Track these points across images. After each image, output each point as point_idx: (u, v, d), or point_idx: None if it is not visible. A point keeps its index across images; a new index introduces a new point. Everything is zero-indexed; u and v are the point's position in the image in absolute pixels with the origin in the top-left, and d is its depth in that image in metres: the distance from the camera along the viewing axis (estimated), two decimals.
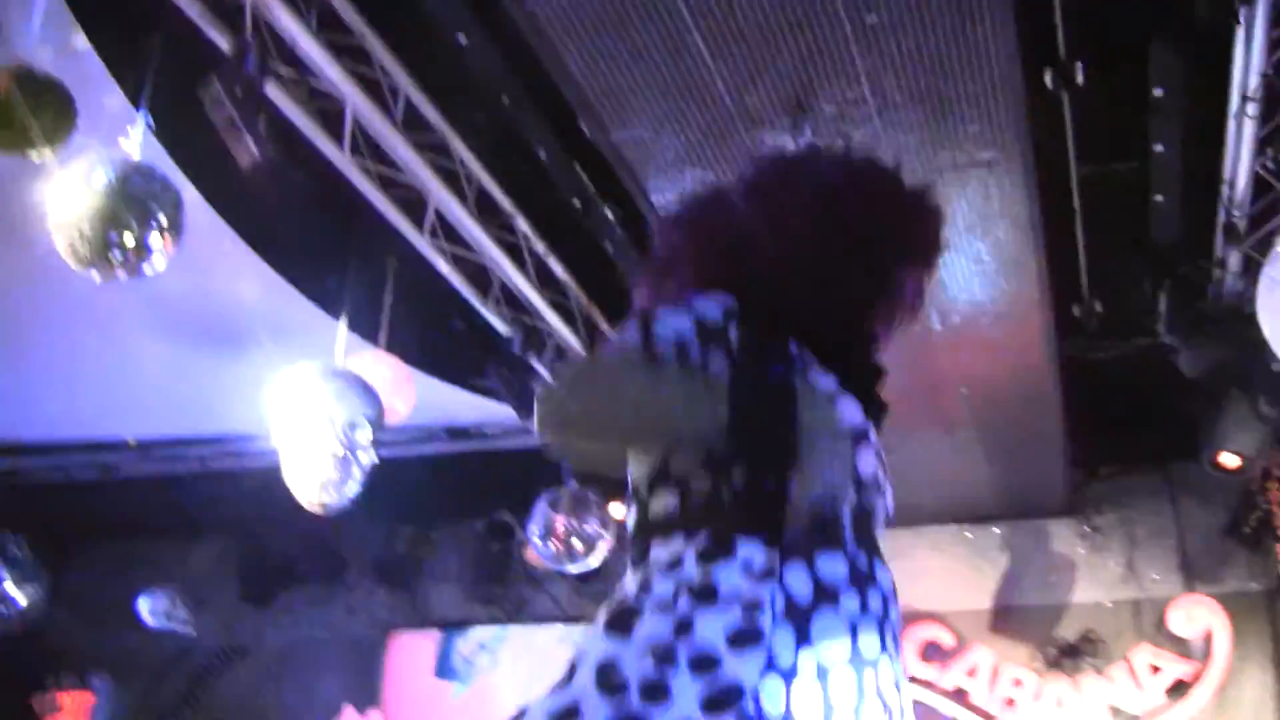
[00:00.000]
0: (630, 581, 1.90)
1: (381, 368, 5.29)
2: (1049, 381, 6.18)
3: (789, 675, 1.78)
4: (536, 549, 6.54)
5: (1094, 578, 8.03)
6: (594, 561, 6.56)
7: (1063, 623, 8.00)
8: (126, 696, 8.04)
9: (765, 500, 1.89)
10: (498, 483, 7.17)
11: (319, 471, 4.55)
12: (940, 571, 8.17)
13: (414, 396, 5.54)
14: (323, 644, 7.62)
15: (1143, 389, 6.50)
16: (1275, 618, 7.64)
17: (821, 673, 1.82)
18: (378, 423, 4.65)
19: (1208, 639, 7.69)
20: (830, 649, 1.85)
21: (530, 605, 8.24)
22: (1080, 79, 4.62)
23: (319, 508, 4.63)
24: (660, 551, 1.91)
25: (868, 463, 2.06)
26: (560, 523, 6.45)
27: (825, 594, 1.88)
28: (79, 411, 7.21)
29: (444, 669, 8.20)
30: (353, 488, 4.61)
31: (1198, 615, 7.72)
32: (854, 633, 1.89)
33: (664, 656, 1.73)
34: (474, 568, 8.07)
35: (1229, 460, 6.50)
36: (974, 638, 8.05)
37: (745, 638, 1.76)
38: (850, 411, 2.05)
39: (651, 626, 1.78)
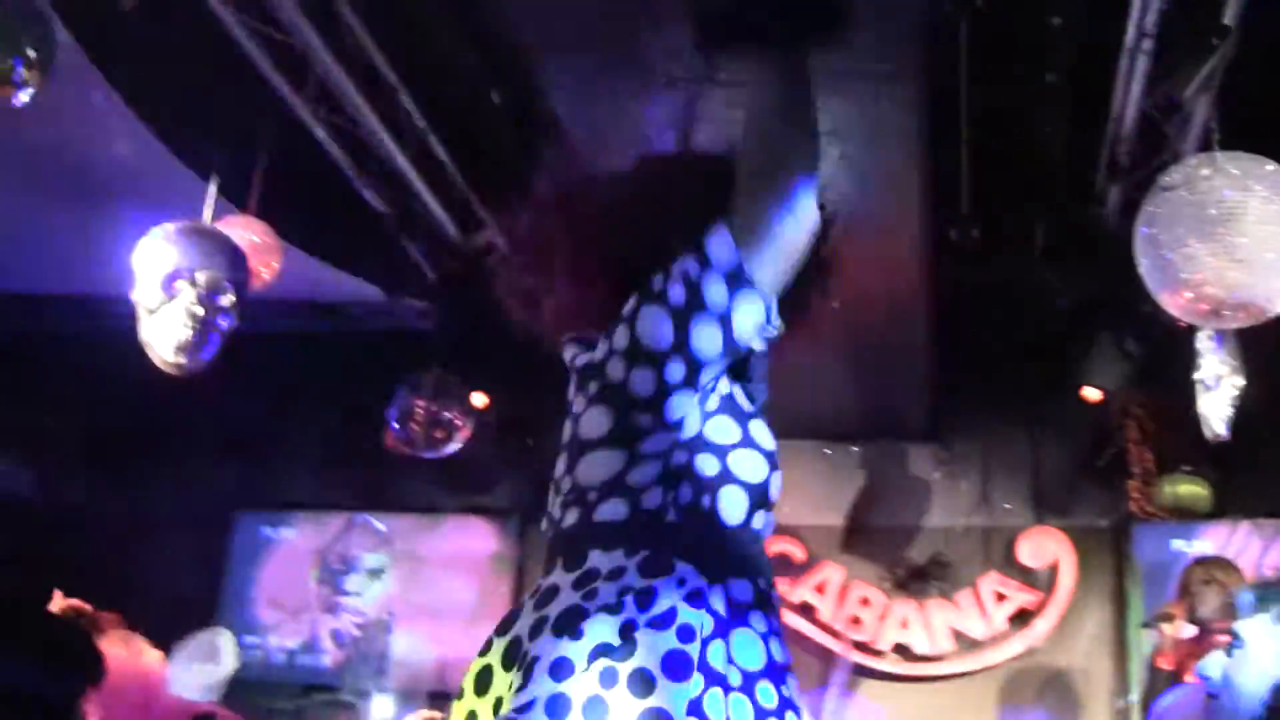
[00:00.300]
0: (566, 582, 1.97)
1: (249, 232, 5.16)
2: (919, 302, 6.19)
3: (726, 687, 1.89)
4: (394, 432, 6.44)
5: (947, 503, 8.12)
6: (451, 449, 6.48)
7: (913, 545, 8.09)
8: None
9: (703, 521, 2.03)
10: (360, 364, 7.05)
11: (176, 332, 4.41)
12: (796, 486, 8.06)
13: (280, 265, 5.41)
14: (169, 516, 7.47)
15: (1012, 318, 6.53)
16: (1120, 554, 7.79)
17: (746, 684, 1.93)
18: (241, 287, 4.52)
19: (1053, 571, 7.83)
20: (750, 662, 1.96)
21: (385, 492, 8.16)
22: (980, 2, 4.61)
23: (175, 369, 4.50)
24: (601, 560, 1.98)
25: (778, 486, 2.19)
26: (420, 408, 6.36)
27: (739, 613, 1.99)
28: None
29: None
30: (210, 351, 4.49)
31: (1045, 547, 7.86)
32: (767, 646, 2.00)
33: (608, 674, 1.82)
34: (330, 450, 7.96)
35: (1091, 394, 6.59)
36: (825, 554, 8.12)
37: (679, 665, 1.85)
38: (768, 433, 2.19)
39: (599, 630, 1.86)
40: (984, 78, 5.15)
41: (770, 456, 2.19)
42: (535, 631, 1.93)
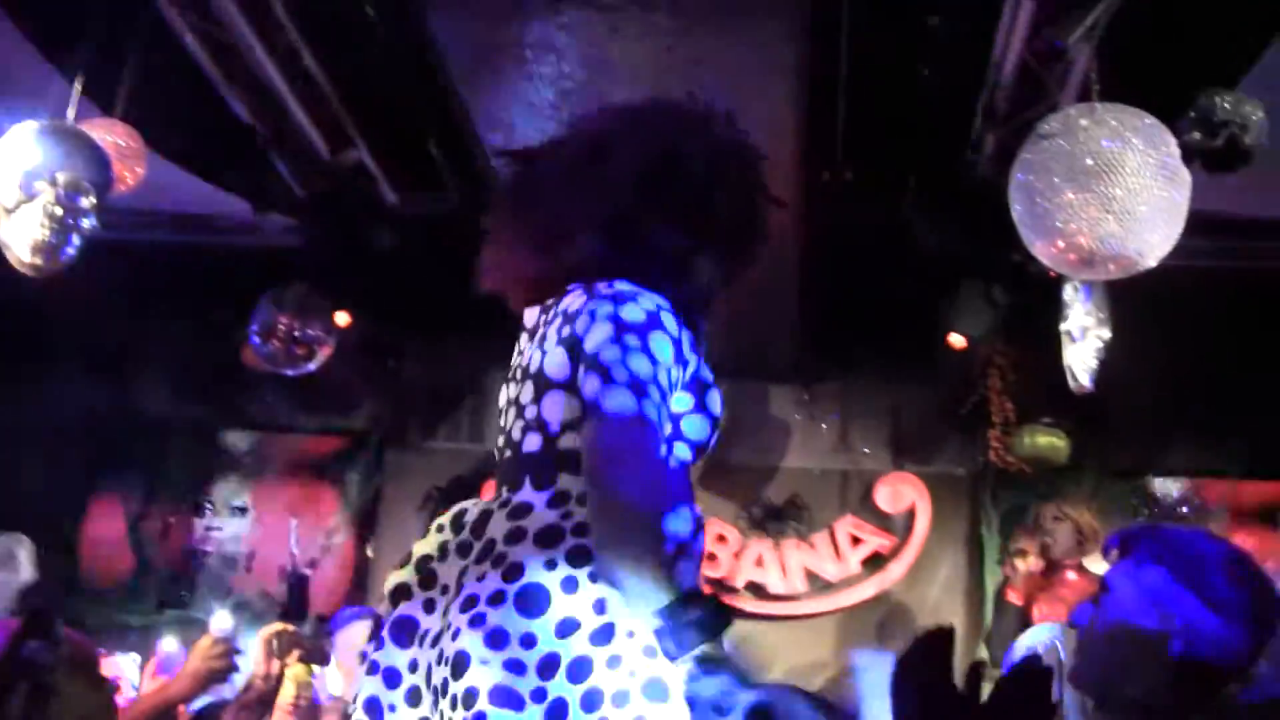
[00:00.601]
0: (541, 500, 2.27)
1: (114, 136, 5.02)
2: (789, 242, 6.17)
3: None
4: (256, 348, 6.33)
5: (807, 445, 8.17)
6: (312, 366, 6.39)
7: (771, 486, 8.14)
8: None
9: None
10: (223, 280, 6.91)
11: (34, 233, 4.29)
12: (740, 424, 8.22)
13: (145, 172, 5.28)
14: (23, 430, 7.24)
15: (881, 263, 6.54)
16: (974, 502, 7.92)
17: None
18: (103, 188, 4.40)
19: (910, 516, 7.94)
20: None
21: (244, 411, 8.03)
22: None
23: (31, 270, 4.37)
24: (571, 484, 2.27)
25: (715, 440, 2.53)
26: (282, 323, 6.26)
27: None
28: None
29: None
30: (68, 253, 4.37)
31: (903, 492, 7.95)
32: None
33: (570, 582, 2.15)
34: (189, 366, 7.81)
35: (956, 341, 6.66)
36: None
37: None
38: (719, 400, 2.54)
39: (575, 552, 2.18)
40: (866, 18, 5.15)
41: (715, 420, 2.48)
42: (512, 539, 2.20)
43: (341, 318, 6.51)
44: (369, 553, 8.30)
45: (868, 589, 7.93)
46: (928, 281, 6.52)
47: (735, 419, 8.08)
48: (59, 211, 4.26)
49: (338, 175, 6.05)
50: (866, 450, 8.12)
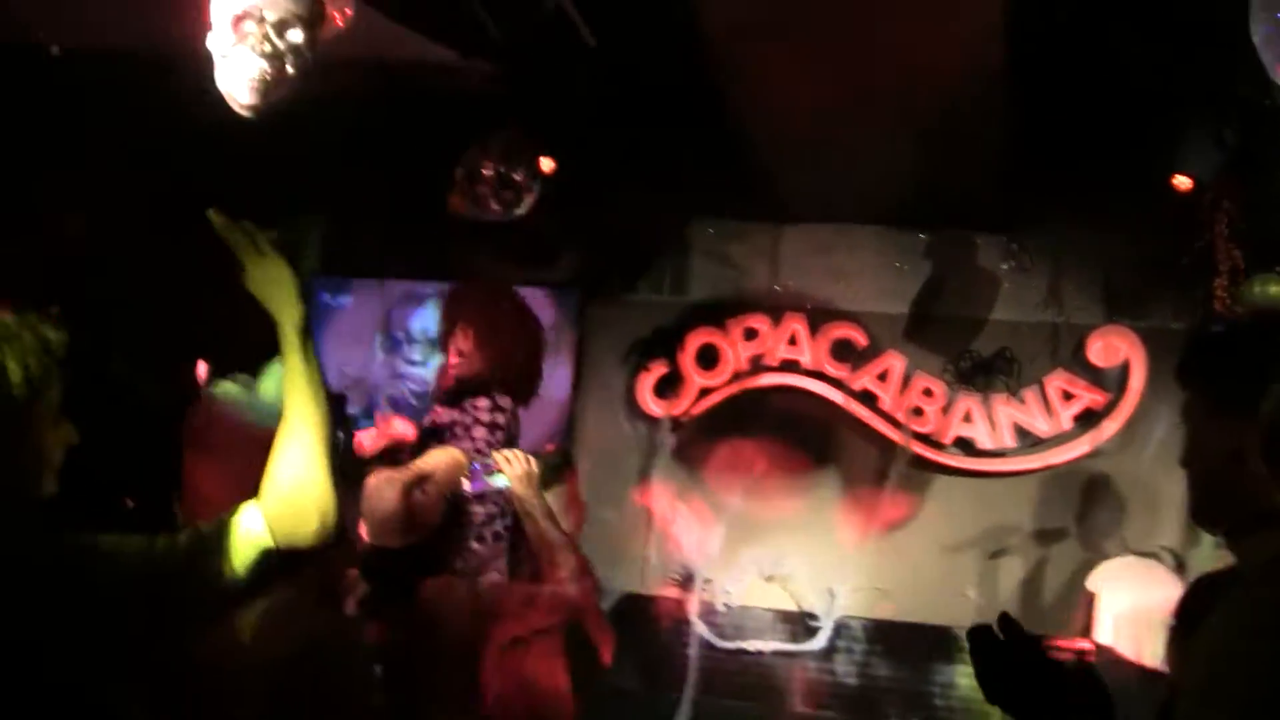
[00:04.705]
0: None
1: None
2: (996, 83, 5.92)
3: None
4: (464, 194, 6.32)
5: (1015, 297, 7.96)
6: (519, 212, 6.37)
7: (979, 338, 7.96)
8: None
9: None
10: (426, 128, 6.91)
11: (248, 71, 4.29)
12: (858, 272, 8.12)
13: (353, 11, 5.25)
14: (239, 285, 7.39)
15: (1095, 101, 6.28)
16: None
17: None
18: (313, 24, 4.38)
19: (1124, 371, 7.69)
20: None
21: (446, 260, 8.07)
22: None
23: (250, 111, 4.37)
24: None
25: None
26: (489, 168, 6.24)
27: None
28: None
29: None
30: (283, 89, 4.36)
31: (1116, 346, 7.71)
32: None
33: None
34: (390, 216, 7.87)
35: (1182, 183, 6.36)
36: (887, 343, 8.01)
37: None
38: None
39: None
40: None
41: None
42: None
43: (546, 164, 6.47)
44: (572, 404, 8.36)
45: (1080, 446, 7.74)
46: (1146, 120, 6.25)
47: (940, 270, 7.97)
48: (269, 48, 4.26)
49: (540, 19, 5.98)
50: (1077, 303, 7.88)
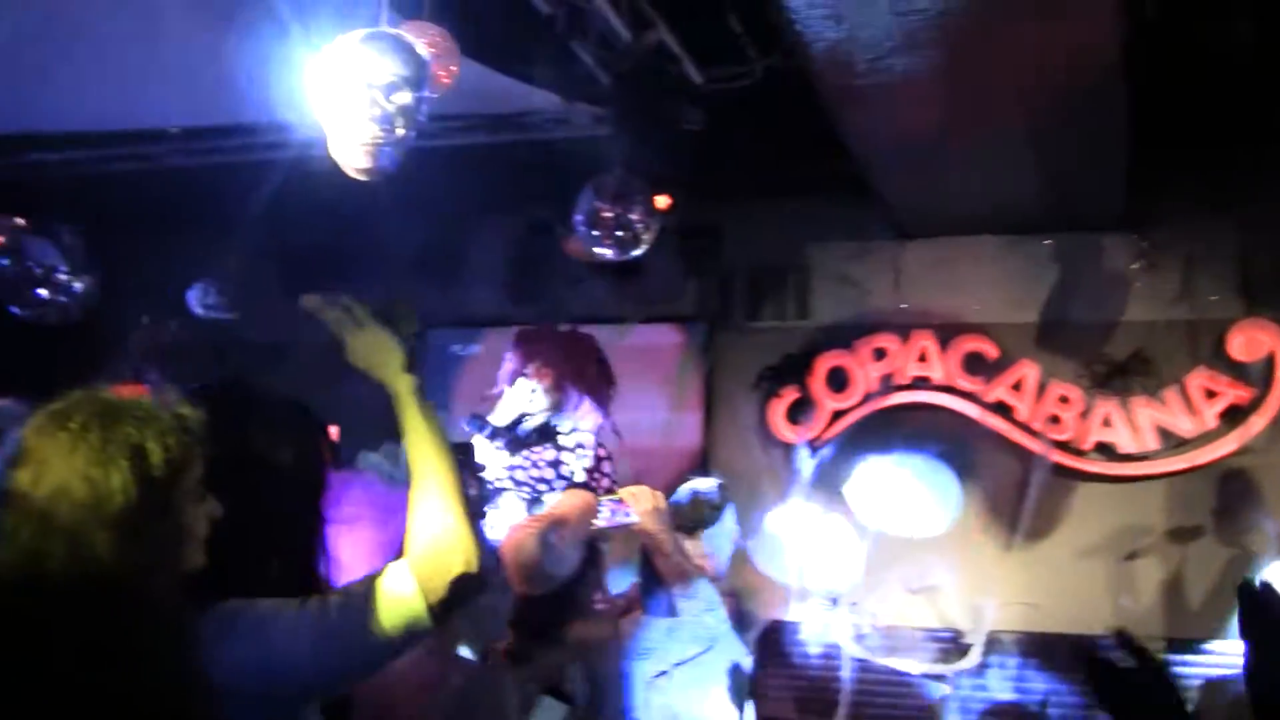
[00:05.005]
0: None
1: (426, 36, 5.08)
2: (1111, 76, 5.84)
3: None
4: (581, 237, 6.38)
5: (1148, 295, 7.82)
6: (638, 251, 6.40)
7: (1113, 341, 7.84)
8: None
9: None
10: (538, 176, 7.00)
11: (361, 137, 4.37)
12: (985, 283, 8.04)
13: (458, 67, 5.34)
14: None
15: (1217, 89, 6.19)
16: None
17: None
18: (422, 85, 4.45)
19: (1268, 365, 7.53)
20: None
21: (568, 304, 8.14)
22: None
23: (365, 175, 4.47)
24: None
25: None
26: (605, 211, 6.29)
27: None
28: (120, 101, 7.06)
29: None
30: (396, 153, 4.44)
31: (1259, 340, 7.52)
32: None
33: None
34: (512, 264, 7.97)
35: None
36: (1019, 352, 7.93)
37: None
38: None
39: None
40: None
41: None
42: None
43: (661, 201, 6.51)
44: (707, 436, 8.39)
45: (1227, 444, 7.57)
46: (1273, 104, 6.13)
47: (1068, 274, 7.87)
48: (380, 111, 4.34)
49: (641, 58, 6.04)
50: (1213, 297, 7.72)
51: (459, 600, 2.41)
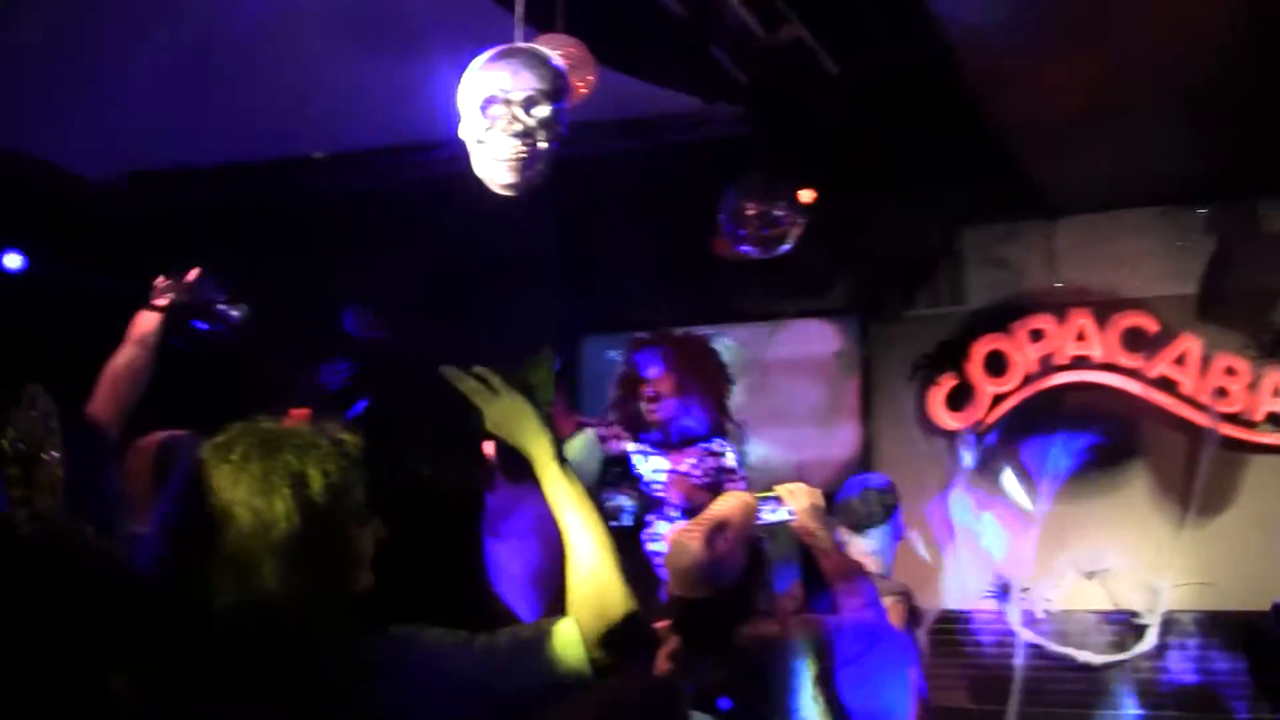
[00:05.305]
0: None
1: (562, 48, 5.12)
2: (1261, 38, 5.69)
3: None
4: (728, 237, 6.38)
5: None
6: (786, 248, 6.39)
7: (1278, 309, 7.67)
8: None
9: None
10: (680, 178, 7.01)
11: (503, 153, 4.42)
12: (1141, 256, 7.91)
13: (595, 76, 5.38)
14: (517, 348, 7.56)
15: None
16: None
17: None
18: (560, 97, 4.49)
19: None
20: None
21: (721, 303, 8.15)
22: None
23: (507, 190, 4.51)
24: None
25: None
26: (751, 209, 6.28)
27: None
28: (266, 130, 7.23)
29: None
30: (538, 165, 4.48)
31: None
32: None
33: None
34: (661, 267, 7.98)
35: None
36: (1180, 325, 7.77)
37: None
38: None
39: None
40: None
41: None
42: None
43: (806, 195, 6.48)
44: (867, 428, 8.35)
45: None
46: None
47: (1226, 244, 7.69)
48: (520, 127, 4.38)
49: (777, 54, 6.02)
50: None
51: (622, 651, 2.44)
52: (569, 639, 2.41)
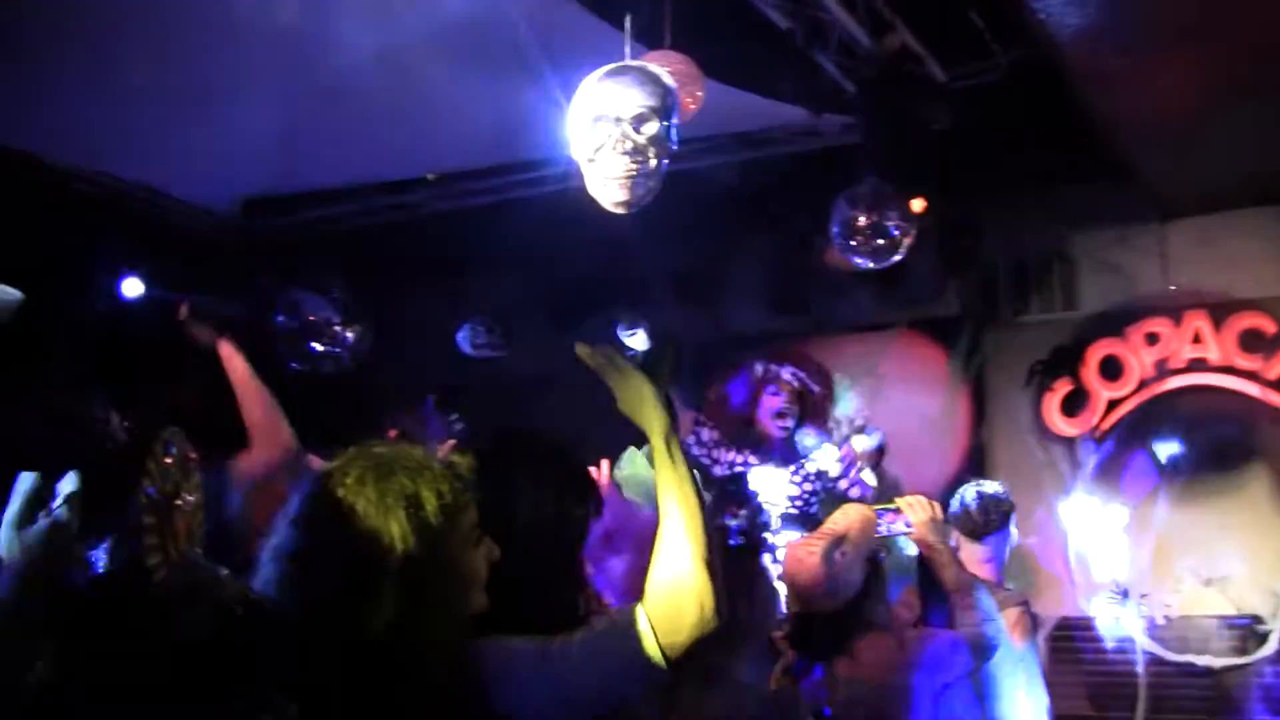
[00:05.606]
0: None
1: (670, 64, 5.16)
2: None
3: None
4: (839, 248, 6.39)
5: None
6: (897, 258, 6.38)
7: None
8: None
9: None
10: (791, 189, 7.04)
11: (615, 172, 4.46)
12: (1255, 257, 7.79)
13: (704, 93, 5.41)
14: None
15: None
16: None
17: None
18: (669, 114, 4.52)
19: None
20: None
21: (834, 313, 8.16)
22: None
23: (623, 208, 4.55)
24: None
25: None
26: (862, 219, 6.29)
27: None
28: (376, 153, 7.32)
29: None
30: (651, 184, 4.51)
31: None
32: None
33: None
34: (774, 278, 8.01)
35: None
36: None
37: None
38: None
39: None
40: None
41: None
42: None
43: (916, 204, 6.48)
44: (981, 435, 8.32)
45: None
46: None
47: None
48: (631, 145, 4.41)
49: (884, 62, 6.03)
50: None
51: (694, 646, 2.46)
52: (640, 628, 2.44)
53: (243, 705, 2.28)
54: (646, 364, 2.65)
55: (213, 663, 2.43)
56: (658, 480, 2.57)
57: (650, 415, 2.62)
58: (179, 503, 3.25)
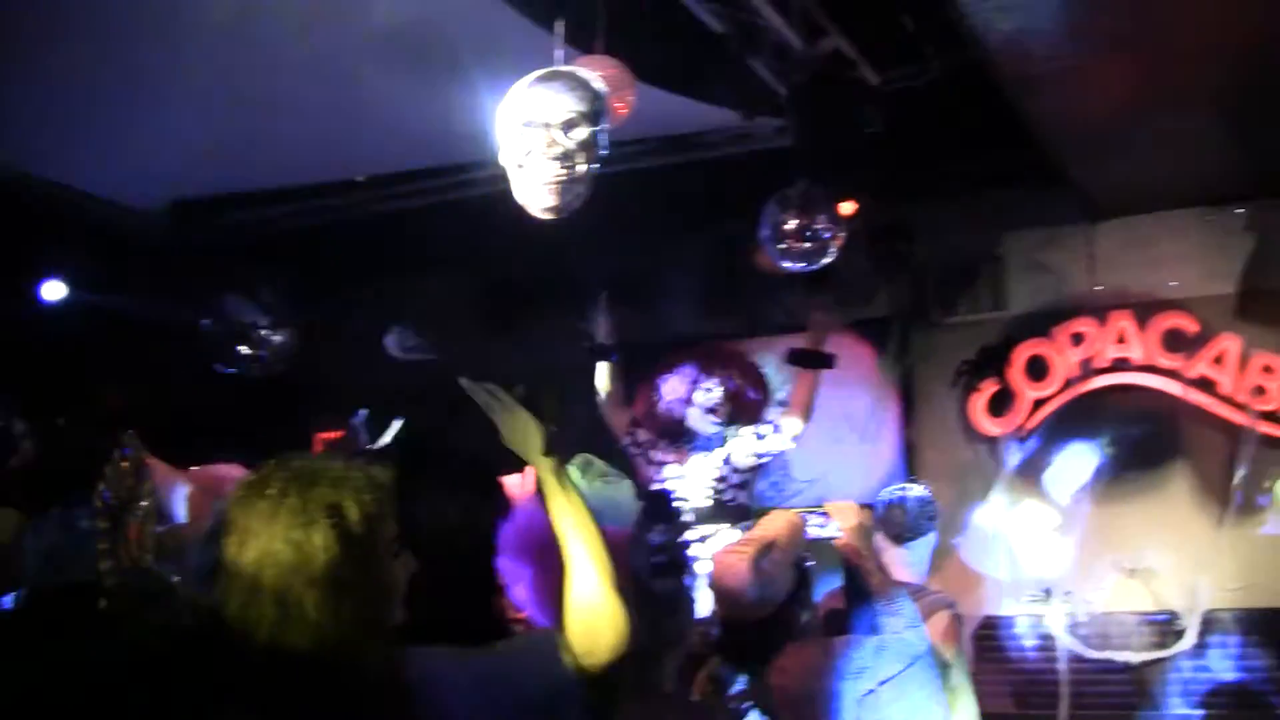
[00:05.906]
0: None
1: (601, 69, 5.15)
2: None
3: None
4: (769, 251, 6.42)
5: None
6: (826, 260, 6.42)
7: None
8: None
9: None
10: (722, 192, 7.06)
11: (543, 177, 4.46)
12: (1180, 257, 7.92)
13: (635, 98, 5.41)
14: (568, 364, 7.56)
15: None
16: None
17: None
18: (598, 119, 4.52)
19: None
20: None
21: (764, 316, 8.19)
22: None
23: (551, 213, 4.55)
24: None
25: None
26: (791, 222, 6.32)
27: None
28: (307, 155, 7.27)
29: None
30: (580, 189, 4.52)
31: None
32: None
33: None
34: (706, 281, 8.03)
35: None
36: (1219, 325, 7.78)
37: None
38: None
39: None
40: None
41: None
42: None
43: (846, 207, 6.52)
44: (910, 435, 8.38)
45: None
46: None
47: (1265, 242, 7.69)
48: (563, 152, 4.42)
49: (817, 66, 6.06)
50: None
51: (613, 667, 2.52)
52: (558, 647, 2.53)
53: (190, 716, 2.29)
54: (531, 400, 2.70)
55: (162, 672, 2.44)
56: (550, 509, 2.63)
57: (534, 450, 2.68)
58: (134, 508, 3.24)
